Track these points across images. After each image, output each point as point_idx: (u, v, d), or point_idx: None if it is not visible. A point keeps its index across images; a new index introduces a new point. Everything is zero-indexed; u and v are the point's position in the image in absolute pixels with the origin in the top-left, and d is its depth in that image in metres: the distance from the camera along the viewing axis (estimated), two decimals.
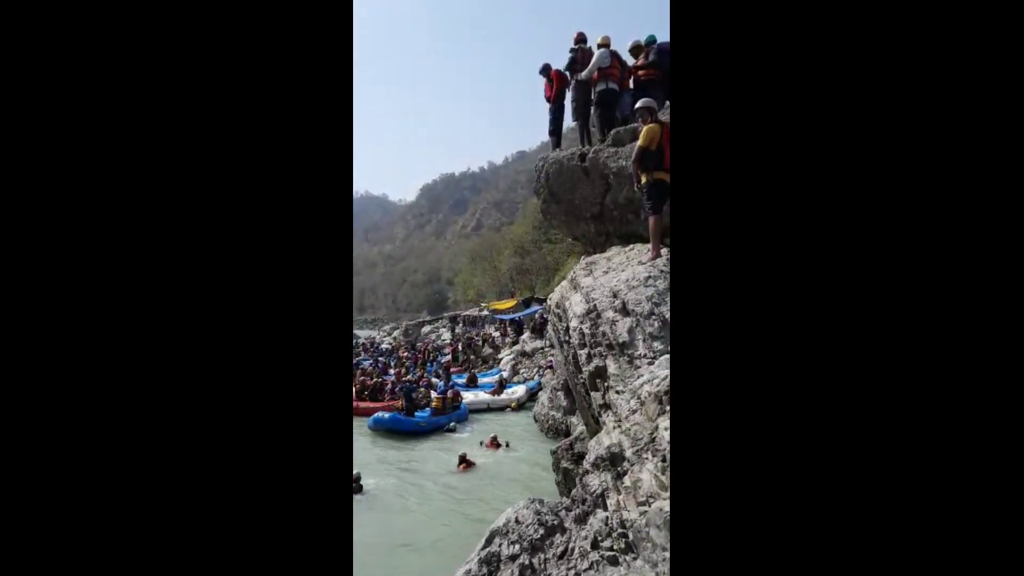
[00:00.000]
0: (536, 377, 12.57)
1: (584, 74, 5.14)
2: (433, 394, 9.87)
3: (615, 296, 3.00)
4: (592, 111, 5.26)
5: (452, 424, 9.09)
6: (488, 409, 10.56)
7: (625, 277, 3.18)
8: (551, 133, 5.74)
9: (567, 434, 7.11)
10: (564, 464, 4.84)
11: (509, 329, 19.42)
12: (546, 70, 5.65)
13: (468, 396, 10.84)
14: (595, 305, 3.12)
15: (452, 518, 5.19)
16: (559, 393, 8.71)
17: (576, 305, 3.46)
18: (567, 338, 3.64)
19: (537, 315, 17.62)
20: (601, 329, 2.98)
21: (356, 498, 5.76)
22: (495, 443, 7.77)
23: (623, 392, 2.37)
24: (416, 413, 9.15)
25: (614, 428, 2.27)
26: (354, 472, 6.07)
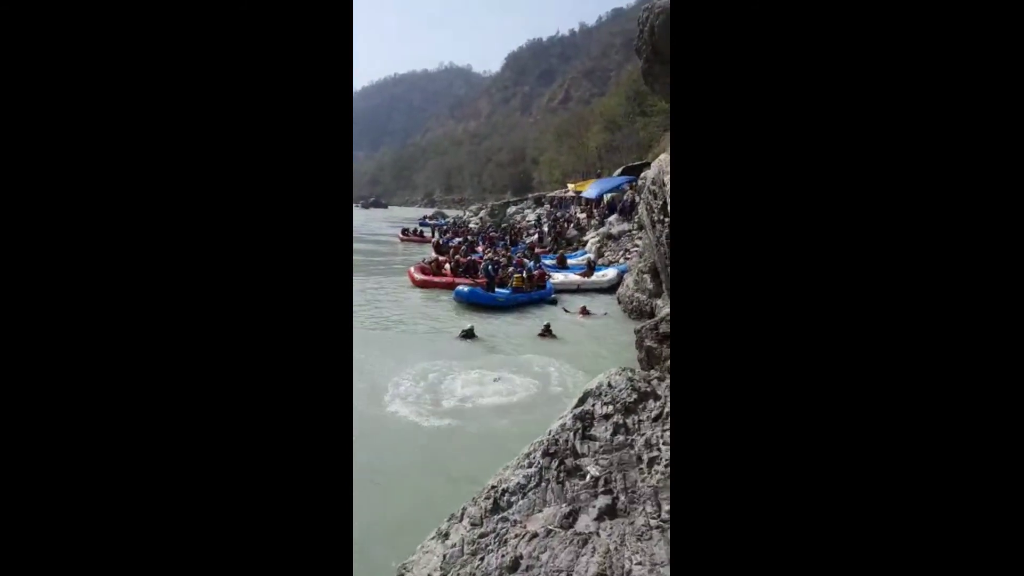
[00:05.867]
0: (623, 261, 12.43)
1: None
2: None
3: None
4: None
5: (553, 297, 9.91)
6: (578, 290, 10.79)
7: None
8: None
9: (651, 316, 7.15)
10: (648, 343, 4.93)
11: (595, 211, 18.87)
12: None
13: (558, 277, 11.12)
14: None
15: (536, 380, 5.66)
16: (645, 276, 8.61)
17: None
18: (662, 217, 3.45)
19: (626, 196, 16.82)
20: None
21: (469, 342, 6.84)
22: (585, 311, 8.70)
23: None
24: (496, 289, 9.67)
25: None
26: (468, 326, 7.22)
